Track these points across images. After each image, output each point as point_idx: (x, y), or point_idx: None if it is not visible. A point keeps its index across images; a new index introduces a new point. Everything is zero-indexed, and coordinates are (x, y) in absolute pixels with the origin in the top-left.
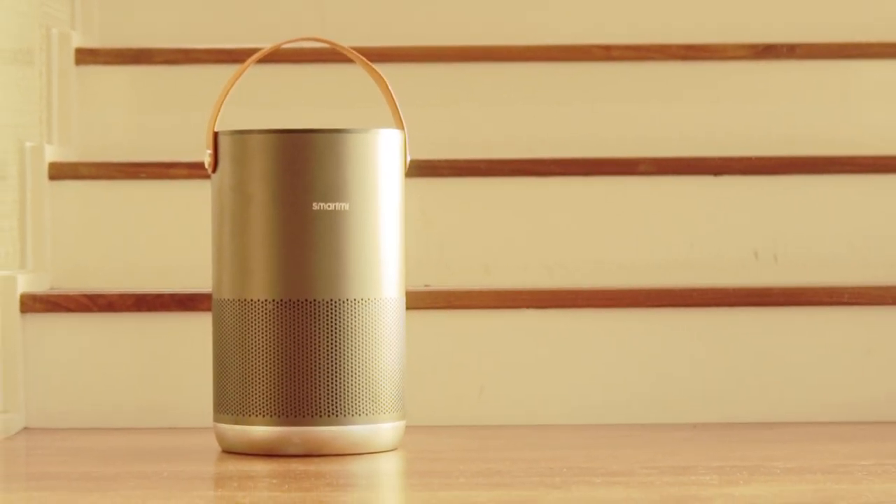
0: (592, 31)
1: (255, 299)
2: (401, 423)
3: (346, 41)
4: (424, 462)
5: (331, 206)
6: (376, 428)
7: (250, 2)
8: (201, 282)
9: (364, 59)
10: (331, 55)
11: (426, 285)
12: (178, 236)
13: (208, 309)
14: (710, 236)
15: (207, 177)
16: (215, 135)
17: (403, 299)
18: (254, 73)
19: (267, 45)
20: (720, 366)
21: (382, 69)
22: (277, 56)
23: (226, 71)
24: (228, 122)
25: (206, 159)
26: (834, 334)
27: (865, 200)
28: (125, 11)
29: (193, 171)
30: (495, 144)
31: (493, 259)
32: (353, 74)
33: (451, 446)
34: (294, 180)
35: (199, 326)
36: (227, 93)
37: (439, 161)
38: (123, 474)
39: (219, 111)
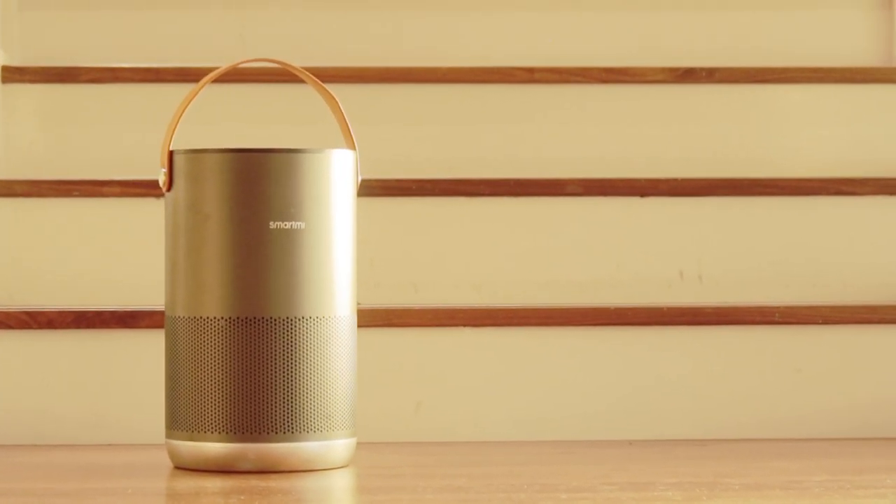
0: (518, 54)
1: (210, 317)
2: (352, 441)
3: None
4: (382, 479)
5: (287, 224)
6: (330, 444)
7: (170, 23)
8: (138, 299)
9: (315, 79)
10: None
11: (358, 303)
12: (113, 254)
13: (149, 326)
14: (637, 256)
15: (141, 195)
16: (170, 153)
17: (355, 317)
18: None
19: (188, 64)
20: (653, 383)
21: (302, 89)
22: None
23: (152, 90)
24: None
25: (161, 178)
26: (764, 353)
27: (787, 222)
28: (45, 31)
29: (126, 188)
30: (424, 164)
31: (421, 277)
32: (291, 94)
33: (398, 462)
34: (251, 199)
35: (140, 343)
36: (182, 112)
37: (370, 181)
38: (90, 490)
39: (174, 130)
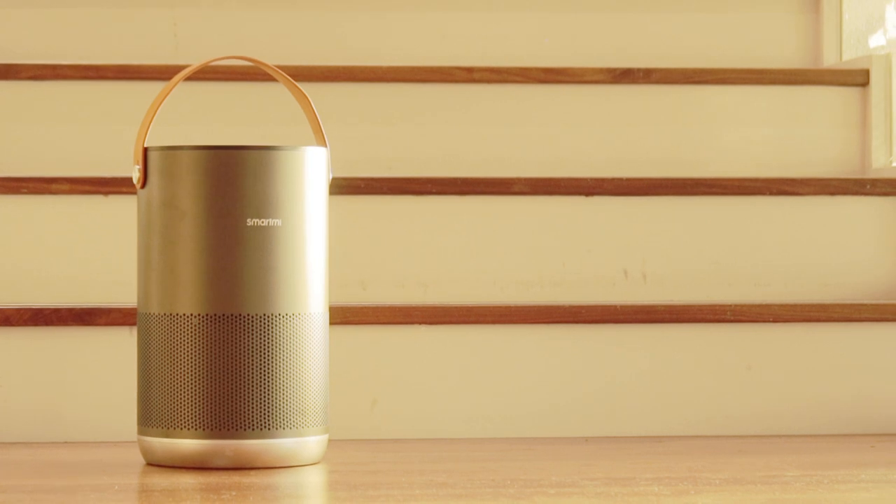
0: (456, 54)
1: (185, 314)
2: (325, 437)
3: (196, 58)
4: (360, 475)
5: (264, 222)
6: (303, 441)
7: (107, 21)
8: (92, 296)
9: (288, 77)
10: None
11: None
12: (62, 251)
13: (106, 323)
14: (582, 255)
15: (90, 192)
16: (145, 150)
17: (328, 314)
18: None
19: (128, 61)
20: (606, 381)
21: (250, 87)
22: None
23: (94, 87)
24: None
25: (135, 175)
26: (716, 350)
27: (729, 221)
28: None
29: (75, 186)
30: (364, 163)
31: (369, 275)
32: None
33: (368, 459)
34: (227, 196)
35: (98, 341)
36: (156, 109)
37: (331, 178)
38: (80, 487)
39: (148, 127)
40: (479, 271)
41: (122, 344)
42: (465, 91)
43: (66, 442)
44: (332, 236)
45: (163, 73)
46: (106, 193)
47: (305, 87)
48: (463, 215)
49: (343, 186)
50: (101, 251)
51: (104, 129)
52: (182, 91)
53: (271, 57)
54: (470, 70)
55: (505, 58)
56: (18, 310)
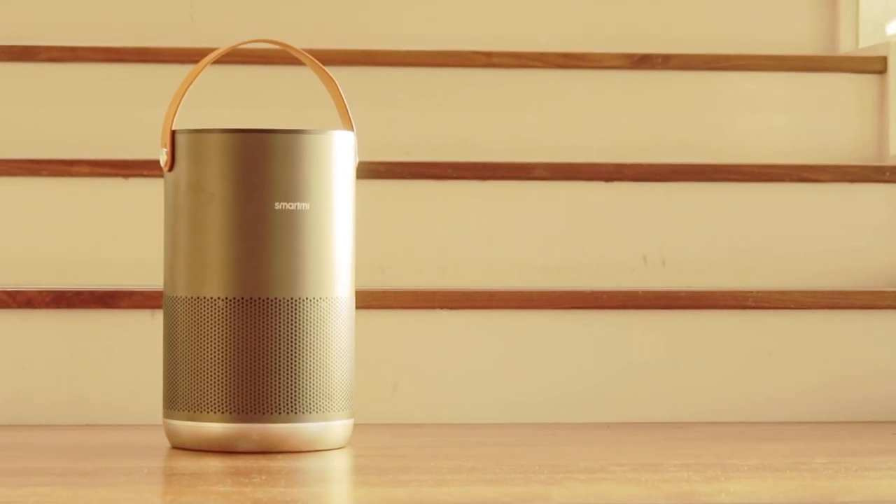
0: (475, 38)
1: (211, 297)
2: (350, 421)
3: (213, 40)
4: (387, 459)
5: (292, 205)
6: (329, 425)
7: (125, 2)
8: (114, 279)
9: (316, 61)
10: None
11: None
12: (82, 234)
13: (129, 306)
14: (602, 240)
15: (110, 174)
16: (173, 133)
17: (354, 298)
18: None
19: (142, 44)
20: (627, 366)
21: (275, 71)
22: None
23: (112, 70)
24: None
25: (163, 158)
26: (737, 337)
27: (748, 207)
28: (2, 8)
29: (95, 168)
30: (383, 147)
31: (388, 260)
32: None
33: (393, 443)
34: (256, 180)
35: (121, 323)
36: (184, 92)
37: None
38: (109, 469)
39: (176, 110)
40: (497, 256)
41: (145, 326)
42: (484, 76)
43: (88, 425)
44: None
45: (182, 56)
46: (126, 176)
47: (331, 70)
48: (482, 200)
49: (364, 171)
50: (121, 234)
51: (123, 112)
52: (209, 74)
53: (289, 40)
54: (489, 55)
55: (524, 43)
56: (40, 292)
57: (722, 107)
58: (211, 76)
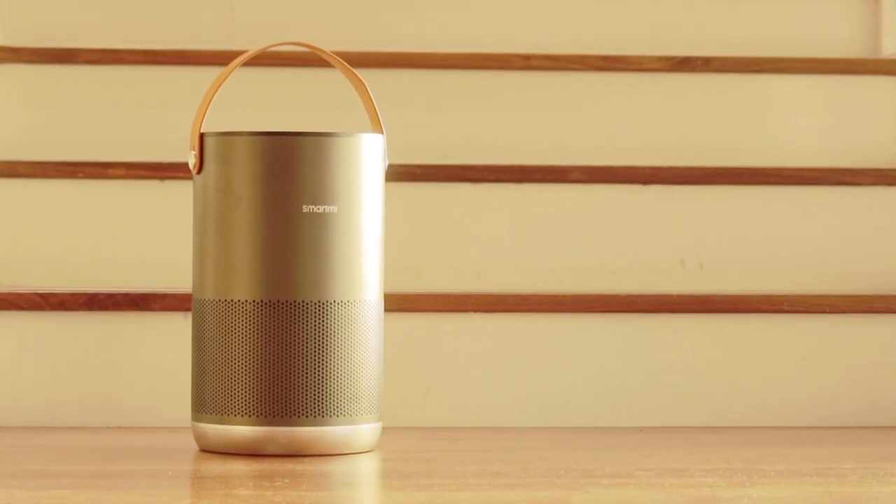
0: (514, 41)
1: (239, 300)
2: (378, 425)
3: (253, 43)
4: (413, 463)
5: (320, 208)
6: (357, 429)
7: (165, 4)
8: (147, 281)
9: (345, 63)
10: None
11: None
12: (118, 236)
13: (161, 309)
14: (638, 243)
15: (146, 177)
16: (201, 136)
17: (382, 302)
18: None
19: (186, 46)
20: (662, 370)
21: (304, 73)
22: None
23: (151, 72)
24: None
25: (191, 160)
26: (772, 341)
27: (787, 211)
28: (39, 11)
29: (131, 171)
30: (421, 150)
31: (424, 263)
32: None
33: (421, 447)
34: (284, 182)
35: (153, 326)
36: (213, 94)
37: (388, 165)
38: (128, 472)
39: (205, 113)
40: (534, 259)
41: (177, 329)
42: (522, 78)
43: (120, 427)
44: (388, 223)
45: (221, 59)
46: (162, 178)
47: (363, 74)
48: (519, 203)
49: (399, 173)
50: (156, 236)
51: (161, 114)
52: (238, 76)
53: (328, 42)
54: (527, 57)
55: (562, 45)
56: (73, 294)
57: (762, 109)
58: (243, 78)
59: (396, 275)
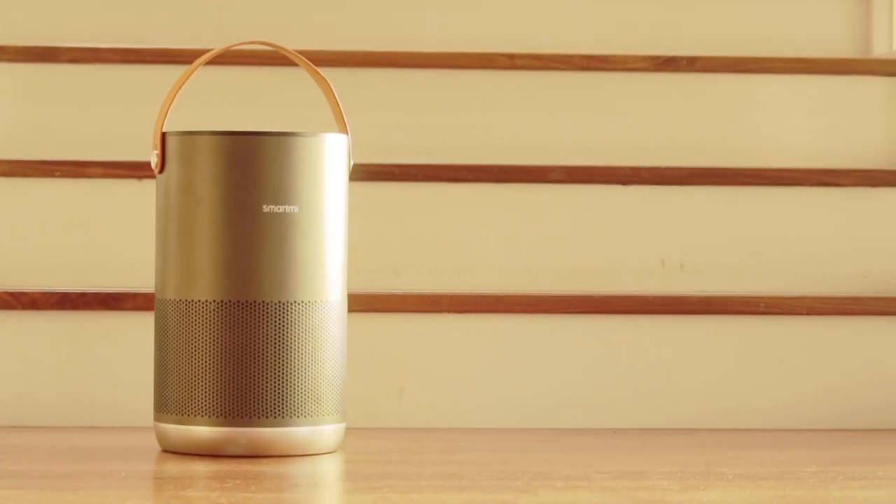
0: (497, 40)
1: (201, 300)
2: (342, 426)
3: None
4: (372, 465)
5: (280, 208)
6: (319, 430)
7: (150, 4)
8: (121, 280)
9: (309, 63)
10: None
11: None
12: (96, 235)
13: (133, 308)
14: (619, 244)
15: (123, 176)
16: (163, 135)
17: (346, 302)
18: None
19: (170, 45)
20: (637, 372)
21: (276, 72)
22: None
23: (134, 71)
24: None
25: (153, 160)
26: (748, 342)
27: (768, 212)
28: (24, 10)
29: (109, 170)
30: (404, 149)
31: (403, 262)
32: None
33: (386, 448)
34: (244, 182)
35: (124, 325)
36: (175, 94)
37: (353, 165)
38: (83, 473)
39: (166, 112)
40: (513, 259)
41: (149, 329)
42: (506, 77)
43: (92, 427)
44: (366, 223)
45: (212, 56)
46: (140, 178)
47: (347, 73)
48: (499, 203)
49: (377, 173)
50: (132, 235)
51: (144, 113)
52: (213, 75)
53: (317, 41)
54: (511, 56)
55: (547, 44)
56: (45, 293)
57: (748, 109)
58: (220, 77)
59: (375, 275)
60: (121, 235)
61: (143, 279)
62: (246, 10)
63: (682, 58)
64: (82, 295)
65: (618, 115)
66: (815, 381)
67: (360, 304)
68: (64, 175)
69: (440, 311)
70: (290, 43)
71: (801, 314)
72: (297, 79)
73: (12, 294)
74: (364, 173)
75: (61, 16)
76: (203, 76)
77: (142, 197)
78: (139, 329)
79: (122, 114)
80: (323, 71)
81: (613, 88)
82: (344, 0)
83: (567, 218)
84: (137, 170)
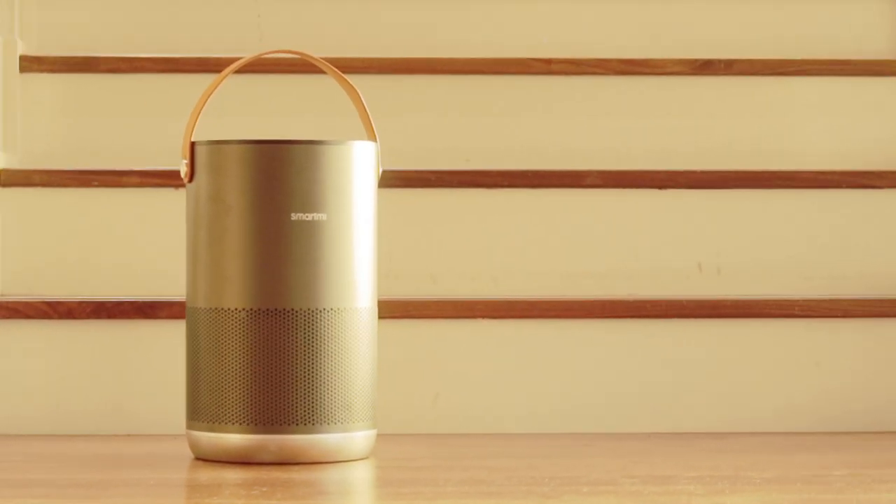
0: (534, 45)
1: (231, 308)
2: (373, 432)
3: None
4: (403, 471)
5: (309, 216)
6: (350, 436)
7: (188, 13)
8: (157, 289)
9: (337, 70)
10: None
11: None
12: (132, 244)
13: (168, 316)
14: (656, 248)
15: (160, 185)
16: (192, 144)
17: (376, 309)
18: (228, 82)
19: (207, 54)
20: (672, 376)
21: (307, 80)
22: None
23: (171, 80)
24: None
25: (183, 169)
26: (784, 346)
27: (805, 214)
28: (64, 20)
29: (146, 179)
30: (441, 155)
31: (439, 268)
32: (316, 85)
33: (418, 454)
34: (273, 191)
35: (160, 334)
36: (203, 103)
37: (388, 172)
38: (110, 481)
39: (195, 122)
40: (550, 264)
41: (183, 337)
42: (543, 82)
43: (128, 435)
44: (403, 230)
45: (246, 66)
46: (176, 186)
47: (384, 79)
48: (535, 208)
49: (413, 179)
50: (169, 244)
51: (181, 122)
52: (247, 83)
53: (356, 49)
54: (548, 61)
55: (583, 48)
56: (81, 302)
57: (786, 112)
58: (253, 85)
59: (412, 282)
60: (157, 244)
61: (179, 287)
62: (285, 18)
63: (719, 61)
64: (118, 304)
65: (654, 118)
66: (852, 383)
67: (396, 310)
68: (101, 185)
69: (474, 316)
70: (330, 50)
71: (837, 317)
72: (328, 86)
73: (48, 303)
74: (400, 180)
75: (101, 26)
76: (237, 85)
77: (178, 205)
78: (174, 337)
79: (160, 123)
80: (360, 77)
81: (650, 92)
82: (382, 8)
83: (603, 223)
84: (174, 178)
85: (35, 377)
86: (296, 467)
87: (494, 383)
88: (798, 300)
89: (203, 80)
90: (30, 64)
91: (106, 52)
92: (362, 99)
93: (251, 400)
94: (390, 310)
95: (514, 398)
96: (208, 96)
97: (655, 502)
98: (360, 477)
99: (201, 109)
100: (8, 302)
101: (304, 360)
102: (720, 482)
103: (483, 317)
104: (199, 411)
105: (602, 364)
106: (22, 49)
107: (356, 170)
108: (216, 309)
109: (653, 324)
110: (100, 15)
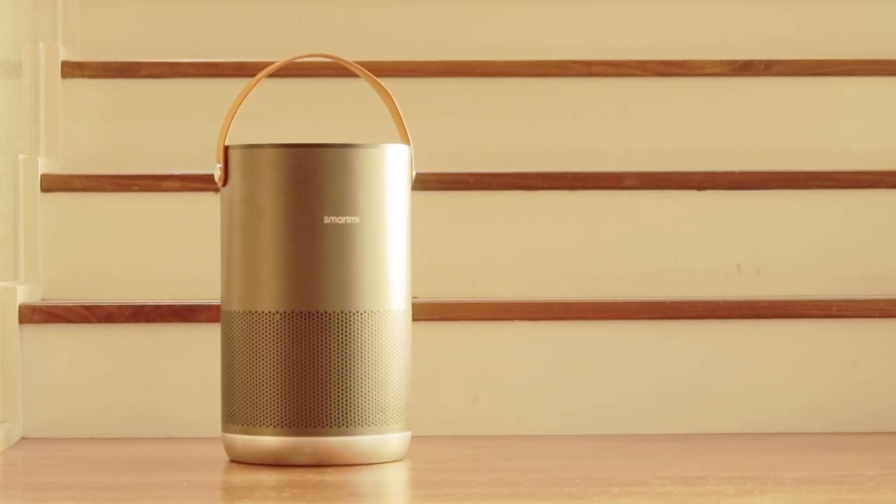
0: (574, 47)
1: (265, 311)
2: (407, 434)
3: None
4: (436, 472)
5: (341, 219)
6: (384, 438)
7: (229, 17)
8: (196, 292)
9: (370, 74)
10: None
11: (414, 297)
12: (171, 248)
13: (207, 320)
14: (694, 249)
15: (200, 189)
16: (226, 149)
17: (410, 311)
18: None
19: (248, 59)
20: (709, 377)
21: (354, 83)
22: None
23: (212, 84)
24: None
25: (217, 173)
26: (821, 346)
27: (845, 215)
28: (105, 26)
29: (185, 183)
30: (480, 158)
31: (479, 271)
32: (351, 88)
33: (453, 456)
34: (305, 194)
35: (198, 337)
36: (237, 107)
37: (426, 174)
38: (143, 484)
39: (229, 125)
40: (589, 266)
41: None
42: (582, 84)
43: (167, 438)
44: (441, 232)
45: (281, 70)
46: (216, 191)
47: (423, 82)
48: (573, 210)
49: (451, 182)
50: (207, 247)
51: (219, 127)
52: (282, 87)
53: (396, 52)
54: (588, 64)
55: (623, 50)
56: (120, 306)
57: (826, 113)
58: (287, 89)
59: (451, 284)
60: (196, 247)
61: (218, 291)
62: (327, 22)
63: (759, 62)
64: (157, 307)
65: (693, 119)
66: (890, 383)
67: (433, 313)
68: (142, 189)
69: (512, 318)
70: (370, 54)
71: (874, 317)
72: (363, 89)
73: (87, 307)
74: (438, 182)
75: (142, 32)
76: (272, 89)
77: (217, 209)
78: (212, 341)
79: (200, 127)
80: (399, 81)
81: (689, 94)
82: (423, 10)
83: (642, 224)
84: (213, 183)
85: (73, 381)
86: (329, 469)
87: (533, 385)
88: (835, 300)
89: (243, 85)
90: (71, 70)
91: (147, 57)
92: (395, 102)
93: (286, 402)
94: (427, 312)
95: (552, 400)
96: (242, 100)
97: (685, 502)
98: (392, 479)
99: (235, 113)
100: (48, 306)
101: (338, 362)
102: (750, 482)
103: (521, 318)
104: (235, 414)
105: (640, 365)
106: (64, 55)
107: (389, 173)
108: (250, 312)
109: (690, 325)
110: (141, 21)
